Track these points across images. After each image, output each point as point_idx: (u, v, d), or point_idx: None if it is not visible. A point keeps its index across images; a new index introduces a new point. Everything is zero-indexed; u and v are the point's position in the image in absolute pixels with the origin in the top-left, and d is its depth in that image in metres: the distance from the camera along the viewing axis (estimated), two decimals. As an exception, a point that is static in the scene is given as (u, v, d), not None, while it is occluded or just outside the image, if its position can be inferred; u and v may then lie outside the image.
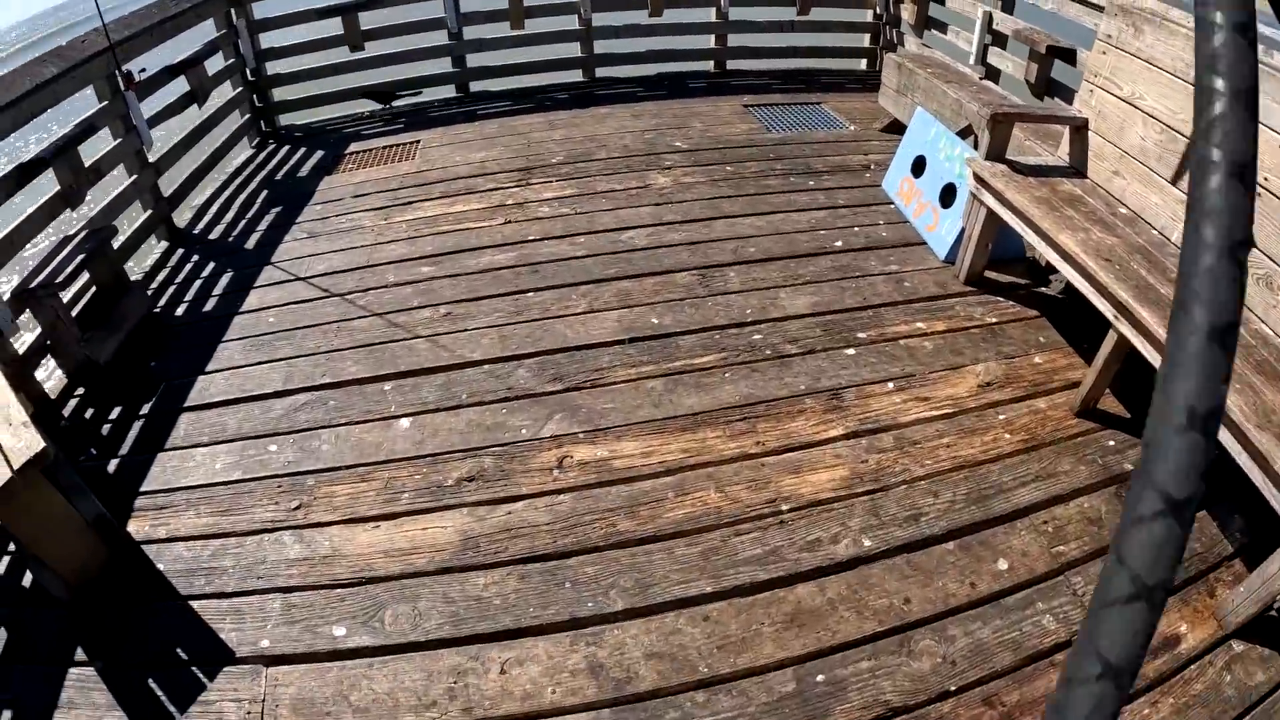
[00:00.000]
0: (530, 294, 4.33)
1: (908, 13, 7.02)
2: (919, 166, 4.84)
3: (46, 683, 2.65)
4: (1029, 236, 3.62)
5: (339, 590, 2.84)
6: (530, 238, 4.87)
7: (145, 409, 4.01)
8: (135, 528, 3.29)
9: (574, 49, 7.60)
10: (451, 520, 3.08)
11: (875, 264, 4.43)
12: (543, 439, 3.40)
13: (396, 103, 7.68)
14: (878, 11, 7.61)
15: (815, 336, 3.87)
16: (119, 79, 5.33)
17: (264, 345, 4.29)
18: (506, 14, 7.21)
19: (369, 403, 3.71)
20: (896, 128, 5.97)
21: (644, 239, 4.76)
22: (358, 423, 3.60)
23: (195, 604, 2.88)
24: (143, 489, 3.47)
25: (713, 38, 7.72)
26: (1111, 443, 3.28)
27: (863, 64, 8.00)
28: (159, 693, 2.57)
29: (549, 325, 4.06)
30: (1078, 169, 3.96)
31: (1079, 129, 3.96)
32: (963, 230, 4.22)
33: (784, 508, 3.02)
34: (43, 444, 2.68)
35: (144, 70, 5.56)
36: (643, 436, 3.38)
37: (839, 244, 4.63)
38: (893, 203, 5.06)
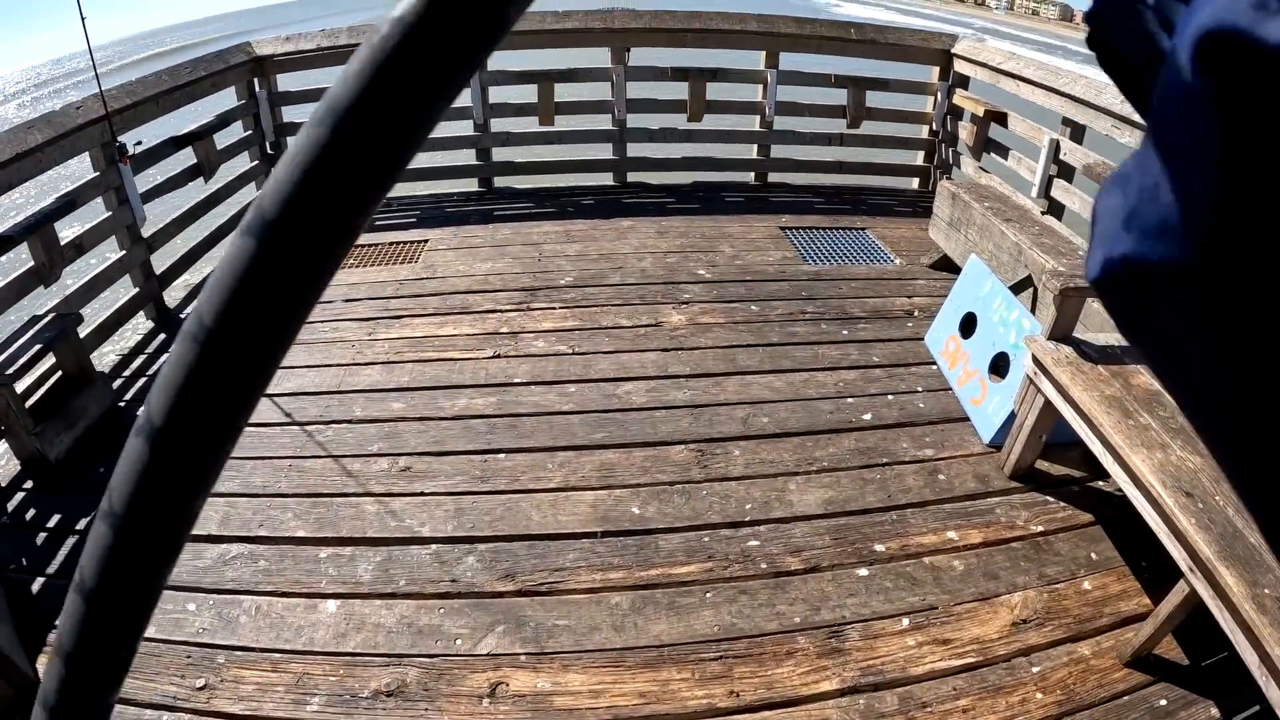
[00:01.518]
0: (502, 455, 3.76)
1: (966, 133, 6.50)
2: (968, 325, 4.21)
3: None
4: (1094, 447, 2.98)
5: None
6: (516, 380, 4.32)
7: (82, 524, 3.73)
8: (44, 664, 2.82)
9: (606, 150, 7.14)
10: (359, 746, 2.57)
11: (907, 446, 3.78)
12: (478, 655, 2.83)
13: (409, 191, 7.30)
14: (934, 128, 7.09)
15: (823, 547, 3.22)
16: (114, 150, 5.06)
17: None
18: (535, 108, 6.77)
19: (300, 570, 3.24)
20: (947, 265, 5.37)
21: (643, 396, 4.16)
22: (283, 595, 3.13)
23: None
24: (59, 621, 2.95)
25: (755, 148, 7.20)
26: (1163, 701, 2.65)
27: (914, 183, 7.45)
28: None
29: (514, 502, 3.48)
30: (1156, 353, 3.33)
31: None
32: (1013, 414, 3.58)
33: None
34: None
35: (139, 143, 5.26)
36: (595, 669, 2.77)
37: (867, 417, 3.99)
38: (935, 363, 4.42)
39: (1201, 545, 2.34)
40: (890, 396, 4.14)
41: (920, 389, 4.22)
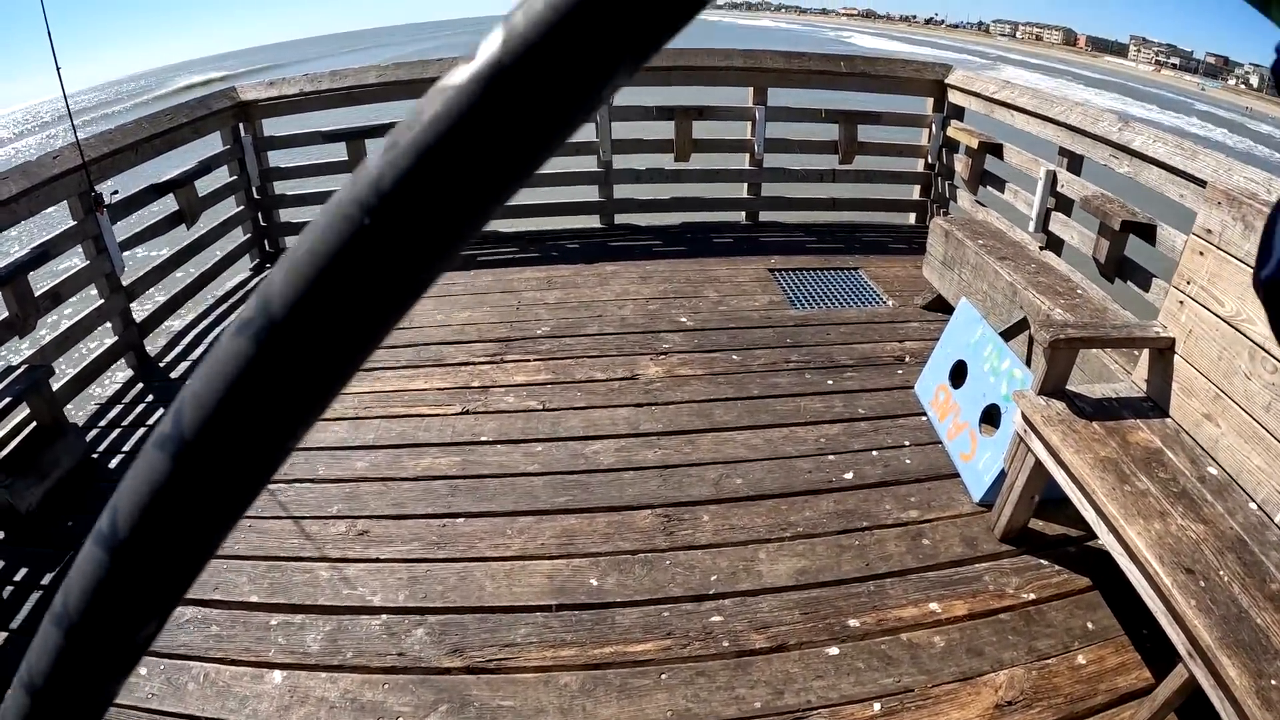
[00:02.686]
0: (461, 520, 3.59)
1: (962, 165, 6.33)
2: (959, 374, 4.01)
3: None
4: (1086, 515, 2.78)
5: None
6: (483, 438, 4.16)
7: (47, 578, 3.68)
8: None
9: (592, 192, 7.02)
10: None
11: (890, 508, 3.56)
12: (418, 740, 2.68)
13: None
14: (929, 162, 6.92)
15: (792, 623, 2.99)
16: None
17: None
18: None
19: (250, 638, 3.12)
20: (942, 305, 5.19)
21: (612, 455, 3.97)
22: (231, 663, 3.02)
23: None
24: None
25: (745, 186, 7.05)
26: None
27: (911, 219, 7.26)
28: None
29: (469, 571, 3.32)
30: (1157, 404, 3.12)
31: (1162, 351, 3.14)
32: (1004, 471, 3.38)
33: None
34: None
35: (115, 193, 5.26)
36: (536, 761, 2.61)
37: (849, 476, 3.77)
38: (925, 414, 4.22)
39: (1201, 630, 2.14)
40: (875, 452, 3.93)
41: (908, 443, 4.01)
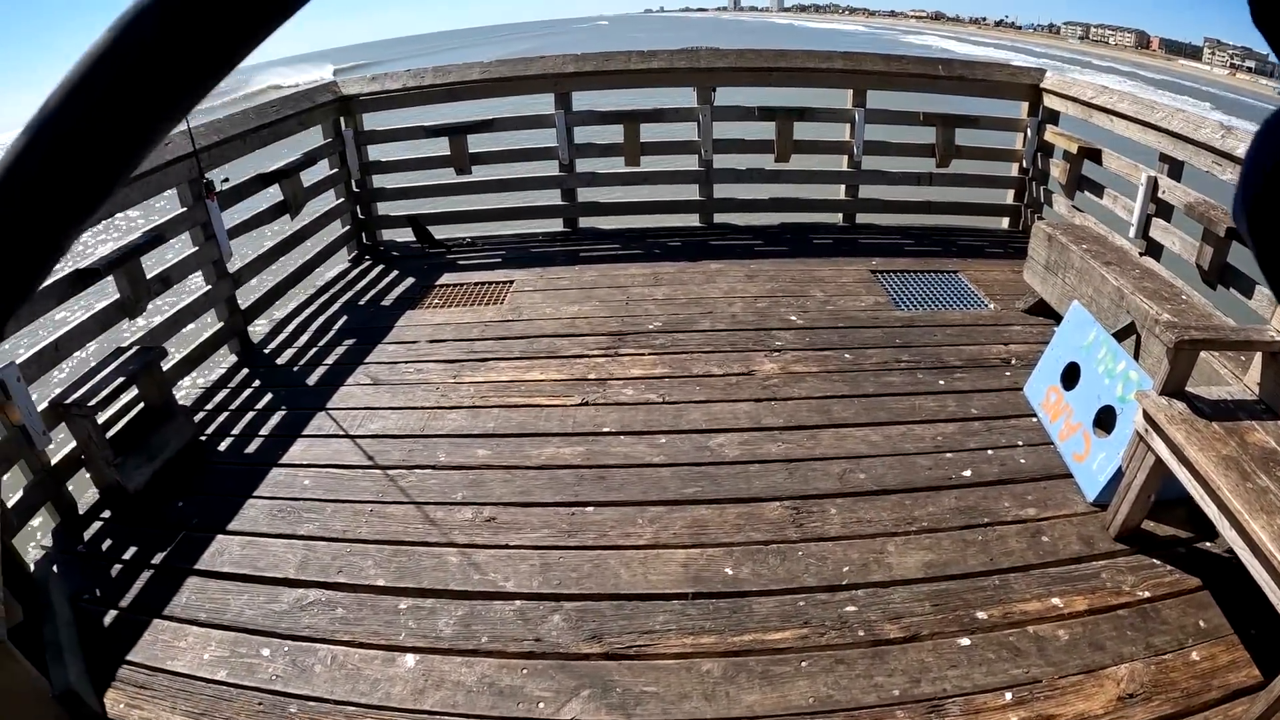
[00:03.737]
0: (590, 509, 3.65)
1: (1058, 171, 6.27)
2: (1071, 376, 4.01)
3: None
4: (1209, 511, 2.79)
5: None
6: (605, 429, 4.21)
7: (158, 558, 3.73)
8: (112, 700, 2.99)
9: (692, 191, 7.07)
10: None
11: (1009, 505, 3.58)
12: (562, 722, 2.73)
13: (496, 231, 7.34)
14: (1024, 166, 6.87)
15: (924, 614, 3.03)
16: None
17: (290, 514, 3.87)
18: (621, 149, 6.75)
19: (379, 621, 3.17)
20: (1043, 309, 5.18)
21: (736, 448, 4.01)
22: (361, 645, 3.06)
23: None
24: (130, 656, 3.19)
25: (842, 188, 7.05)
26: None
27: (1004, 223, 7.21)
28: None
29: (602, 559, 3.36)
30: (1270, 407, 3.12)
31: (1275, 354, 3.15)
32: (1119, 470, 3.39)
33: None
34: None
35: (226, 180, 5.41)
36: (686, 741, 2.65)
37: (967, 474, 3.79)
38: (1035, 415, 4.22)
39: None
40: (990, 451, 3.95)
41: (1021, 443, 4.02)
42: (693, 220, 7.15)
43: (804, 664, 2.84)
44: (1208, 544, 3.31)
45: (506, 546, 3.46)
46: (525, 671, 2.88)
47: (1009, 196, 7.13)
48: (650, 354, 4.92)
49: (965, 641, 2.91)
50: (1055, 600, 3.07)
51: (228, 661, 3.08)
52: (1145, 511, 3.34)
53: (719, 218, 7.13)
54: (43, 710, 2.82)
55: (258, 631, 3.21)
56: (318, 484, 4.08)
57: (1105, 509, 3.49)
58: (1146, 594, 3.10)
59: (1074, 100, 6.19)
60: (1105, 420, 3.70)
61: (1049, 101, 6.54)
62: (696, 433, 4.12)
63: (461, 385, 4.80)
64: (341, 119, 6.92)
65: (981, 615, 3.01)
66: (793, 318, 5.32)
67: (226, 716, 2.86)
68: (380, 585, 3.34)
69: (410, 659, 2.96)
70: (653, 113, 6.71)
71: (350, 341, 5.61)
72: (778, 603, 3.09)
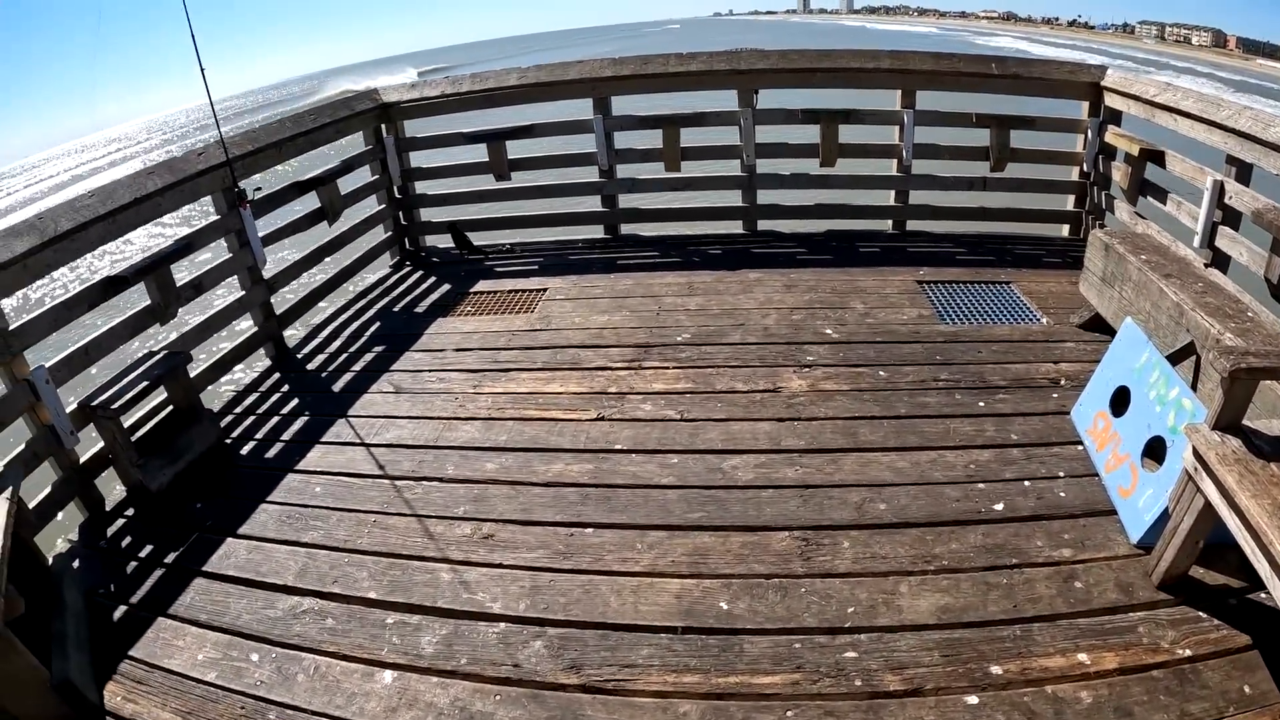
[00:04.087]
0: (589, 531, 3.50)
1: (1120, 174, 5.91)
2: (1121, 401, 3.70)
3: None
4: (1260, 568, 2.49)
5: None
6: (617, 447, 4.05)
7: (170, 557, 3.86)
8: (110, 693, 3.10)
9: (735, 197, 6.86)
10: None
11: (1041, 544, 3.26)
12: (526, 756, 2.62)
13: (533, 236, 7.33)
14: (1084, 170, 6.48)
15: (931, 665, 2.75)
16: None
17: (297, 520, 3.94)
18: (661, 154, 6.58)
19: (364, 634, 3.16)
20: (1099, 325, 4.84)
21: (750, 471, 3.79)
22: (343, 658, 3.07)
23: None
24: (132, 651, 3.31)
25: (891, 194, 6.77)
26: None
27: (1064, 231, 6.82)
28: None
29: (594, 584, 3.21)
30: (1342, 446, 2.81)
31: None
32: (1167, 511, 3.06)
33: None
34: None
35: (259, 189, 5.45)
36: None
37: (999, 507, 3.48)
38: (1081, 442, 3.92)
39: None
40: (1028, 483, 3.63)
41: (1062, 474, 3.69)
42: (735, 227, 6.95)
43: (790, 713, 2.61)
44: (1261, 595, 2.96)
45: (500, 566, 3.38)
46: (498, 698, 2.79)
47: (1069, 202, 6.75)
48: (675, 368, 4.74)
49: (973, 700, 2.62)
50: (1082, 656, 2.75)
51: (219, 664, 3.15)
52: (1193, 558, 3.00)
53: (763, 224, 6.92)
54: (42, 699, 2.93)
55: (251, 636, 3.26)
56: (328, 491, 4.11)
57: (1149, 552, 3.14)
58: (1187, 652, 2.76)
59: (1136, 99, 5.81)
60: (1156, 452, 3.37)
61: (1110, 100, 6.15)
62: (711, 453, 3.92)
63: (480, 396, 4.73)
64: (382, 126, 6.94)
65: (996, 670, 2.72)
66: (828, 331, 5.06)
67: (210, 718, 2.89)
68: (371, 598, 3.34)
69: (389, 675, 2.94)
70: (693, 116, 6.54)
71: (380, 348, 5.62)
72: (771, 643, 2.87)
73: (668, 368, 4.74)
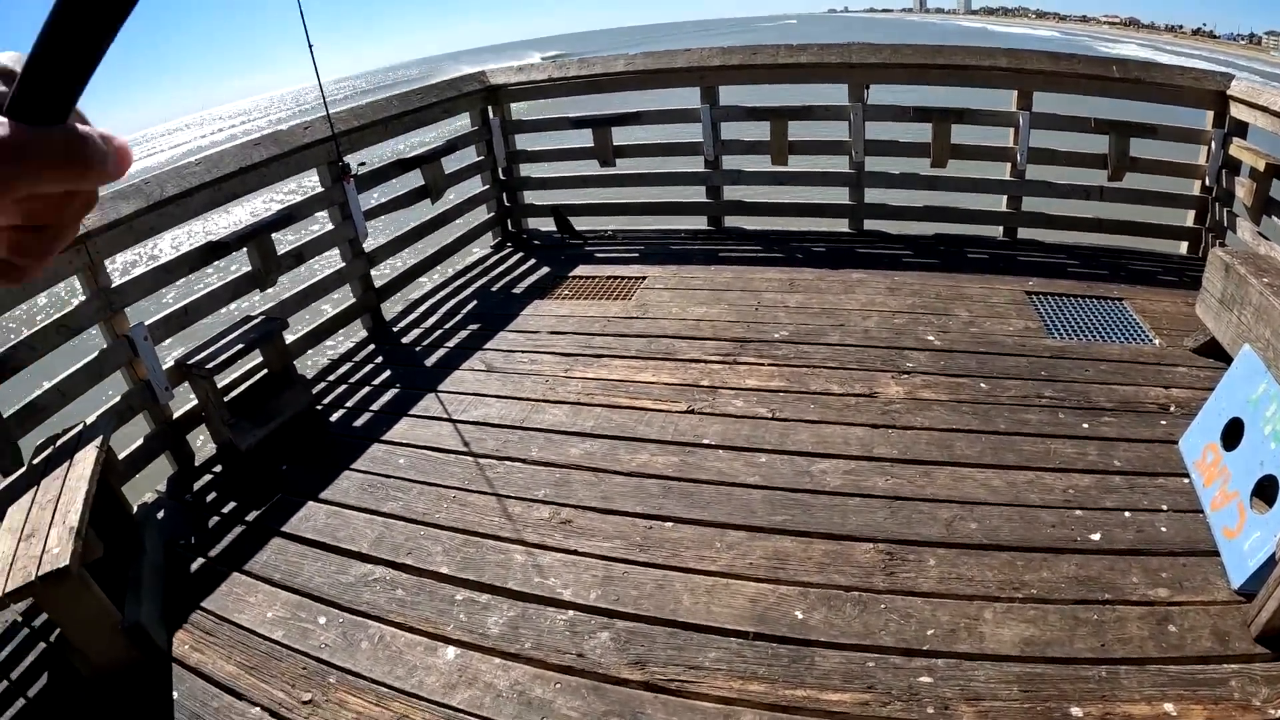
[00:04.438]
0: (668, 525, 3.45)
1: (1244, 190, 5.55)
2: (1233, 434, 3.46)
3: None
4: None
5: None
6: (705, 441, 3.98)
7: (251, 515, 4.00)
8: (179, 640, 3.24)
9: (842, 194, 6.69)
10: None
11: (1137, 582, 3.06)
12: (578, 749, 2.61)
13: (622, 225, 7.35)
14: (1207, 184, 6.09)
15: (1008, 699, 2.60)
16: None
17: (379, 490, 4.03)
18: (768, 146, 6.45)
19: (432, 608, 3.21)
20: (1215, 350, 4.57)
21: (839, 477, 3.66)
22: (408, 629, 3.14)
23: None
24: (204, 603, 3.44)
25: (1004, 199, 6.50)
26: None
27: (1183, 248, 6.42)
28: None
29: (668, 581, 3.16)
30: None
31: None
32: (1273, 557, 2.84)
33: None
34: (66, 563, 2.77)
35: (364, 165, 5.60)
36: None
37: (1096, 537, 3.29)
38: (1188, 475, 3.70)
39: None
40: (1128, 514, 3.42)
41: (1165, 507, 3.46)
42: (841, 225, 6.77)
43: (856, 735, 2.52)
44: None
45: (574, 553, 3.37)
46: (558, 686, 2.78)
47: (1189, 218, 6.37)
48: (770, 365, 4.64)
49: (1048, 740, 2.49)
50: (1168, 706, 2.57)
51: (286, 623, 3.25)
52: (1297, 611, 2.83)
53: (869, 224, 6.72)
54: (111, 640, 3.07)
55: (320, 599, 3.36)
56: (411, 464, 4.18)
57: (1250, 600, 2.91)
58: (1278, 713, 2.57)
59: (1264, 110, 5.45)
60: (1267, 492, 3.15)
61: (1236, 111, 5.77)
62: (800, 455, 3.81)
63: (571, 380, 4.73)
64: (489, 108, 6.99)
65: (1076, 712, 2.56)
66: (930, 338, 4.88)
67: (272, 674, 3.00)
68: (443, 573, 3.38)
69: (451, 651, 2.98)
70: (802, 109, 6.34)
71: (474, 326, 5.69)
72: (844, 659, 2.78)
73: (762, 364, 4.65)
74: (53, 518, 3.08)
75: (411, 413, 4.68)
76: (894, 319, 5.14)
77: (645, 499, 3.62)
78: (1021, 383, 4.39)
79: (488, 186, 7.21)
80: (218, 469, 4.47)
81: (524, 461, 4.02)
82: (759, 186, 6.83)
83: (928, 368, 4.55)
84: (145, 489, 4.35)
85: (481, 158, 7.10)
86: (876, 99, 6.27)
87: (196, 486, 4.35)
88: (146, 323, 4.27)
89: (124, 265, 3.92)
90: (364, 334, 5.85)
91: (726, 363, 4.71)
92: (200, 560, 3.74)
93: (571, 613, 3.05)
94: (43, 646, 3.47)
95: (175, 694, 3.02)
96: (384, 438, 4.46)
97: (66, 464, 3.46)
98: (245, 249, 4.89)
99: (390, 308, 6.16)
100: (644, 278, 6.10)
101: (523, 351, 5.17)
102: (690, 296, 5.67)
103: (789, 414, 4.15)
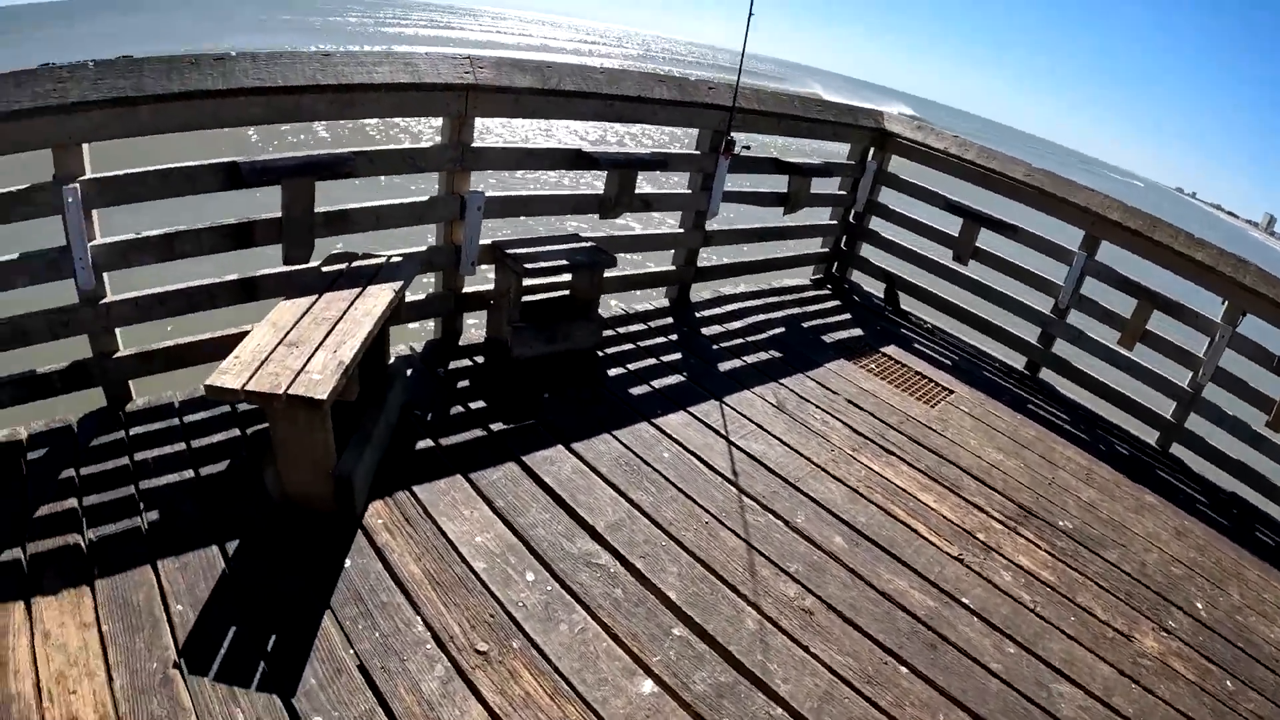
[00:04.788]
0: (903, 670, 3.29)
1: None
2: None
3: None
4: None
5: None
6: (964, 600, 3.80)
7: (496, 426, 4.07)
8: (375, 511, 3.29)
9: (1166, 405, 6.22)
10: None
11: None
12: None
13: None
14: None
15: None
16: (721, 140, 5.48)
17: (634, 472, 4.05)
18: (1125, 324, 6.10)
19: (646, 629, 3.11)
20: None
21: (1072, 709, 3.38)
22: (613, 638, 3.03)
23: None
24: (416, 488, 3.50)
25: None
26: None
27: None
28: None
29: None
30: None
31: None
32: None
33: None
34: (323, 396, 2.75)
35: (747, 147, 5.66)
36: None
37: None
38: None
39: None
40: None
41: None
42: (1151, 434, 6.30)
43: None
44: None
45: (806, 648, 3.25)
46: None
47: None
48: (1046, 551, 4.42)
49: None
50: None
51: (493, 557, 3.21)
52: None
53: (1178, 449, 6.23)
54: (315, 478, 3.11)
55: (536, 554, 3.33)
56: (675, 463, 4.14)
57: None
58: None
59: None
60: None
61: None
62: (1046, 665, 3.60)
63: (856, 462, 4.66)
64: (872, 149, 7.01)
65: None
66: (1199, 605, 4.50)
67: (456, 602, 2.98)
68: (669, 597, 3.28)
69: (649, 685, 2.87)
70: (1174, 305, 5.89)
71: (775, 354, 5.70)
72: None
73: (1039, 548, 4.43)
74: (324, 339, 3.07)
75: (689, 408, 4.70)
76: (1171, 567, 4.78)
77: (890, 630, 3.48)
78: (1262, 700, 3.98)
79: (834, 223, 7.23)
80: (478, 359, 4.55)
81: (787, 524, 3.96)
82: (1092, 359, 6.47)
83: (1187, 636, 4.21)
84: (397, 341, 4.39)
85: (843, 193, 7.11)
86: (1249, 329, 5.70)
87: (451, 366, 4.44)
88: (487, 194, 4.40)
89: (482, 129, 3.98)
90: (665, 303, 5.98)
91: (1007, 527, 4.52)
92: (429, 442, 3.77)
93: (781, 711, 2.94)
94: (237, 434, 3.56)
95: (348, 562, 3.04)
96: (655, 420, 4.48)
97: (358, 291, 3.47)
98: (607, 174, 5.01)
99: (699, 290, 6.29)
100: (952, 391, 5.98)
101: (818, 406, 5.15)
102: (991, 437, 5.50)
103: (1049, 614, 3.94)
